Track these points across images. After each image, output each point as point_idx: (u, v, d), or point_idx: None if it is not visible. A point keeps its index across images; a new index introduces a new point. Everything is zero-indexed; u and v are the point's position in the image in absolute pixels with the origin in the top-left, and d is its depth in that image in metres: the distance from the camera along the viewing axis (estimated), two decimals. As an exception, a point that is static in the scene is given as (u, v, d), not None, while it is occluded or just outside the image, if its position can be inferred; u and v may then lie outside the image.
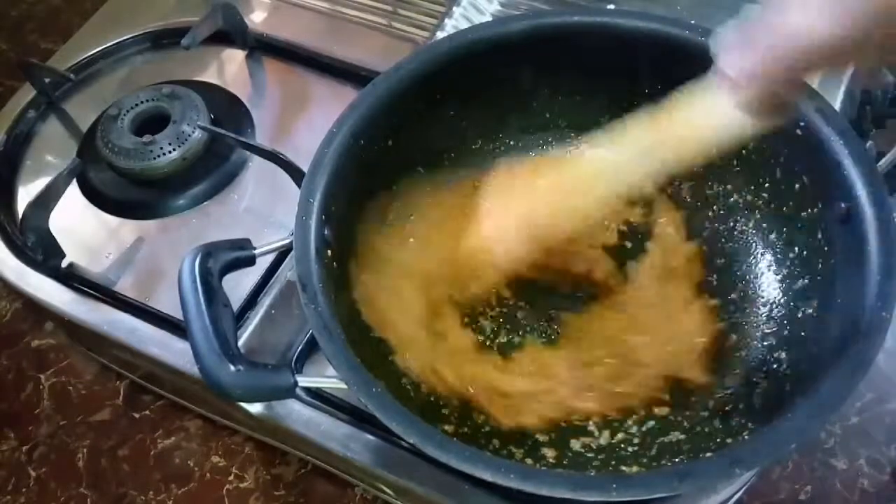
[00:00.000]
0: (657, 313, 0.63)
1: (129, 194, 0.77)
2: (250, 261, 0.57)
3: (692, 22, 0.62)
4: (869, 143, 0.76)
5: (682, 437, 0.57)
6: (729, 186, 0.67)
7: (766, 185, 0.63)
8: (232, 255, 0.56)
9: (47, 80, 0.85)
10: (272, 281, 0.70)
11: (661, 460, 0.55)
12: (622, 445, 0.57)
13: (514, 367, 0.62)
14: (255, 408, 0.65)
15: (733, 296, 0.64)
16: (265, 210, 0.75)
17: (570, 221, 0.57)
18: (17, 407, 0.84)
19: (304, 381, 0.51)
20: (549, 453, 0.57)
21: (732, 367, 0.60)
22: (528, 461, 0.57)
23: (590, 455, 0.57)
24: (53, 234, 0.72)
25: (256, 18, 0.90)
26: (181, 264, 0.53)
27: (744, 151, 0.64)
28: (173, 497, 0.77)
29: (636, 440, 0.57)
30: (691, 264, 0.66)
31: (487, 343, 0.64)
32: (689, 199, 0.69)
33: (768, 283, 0.63)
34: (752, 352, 0.60)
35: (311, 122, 0.81)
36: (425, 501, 0.61)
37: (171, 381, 0.76)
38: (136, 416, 0.82)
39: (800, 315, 0.59)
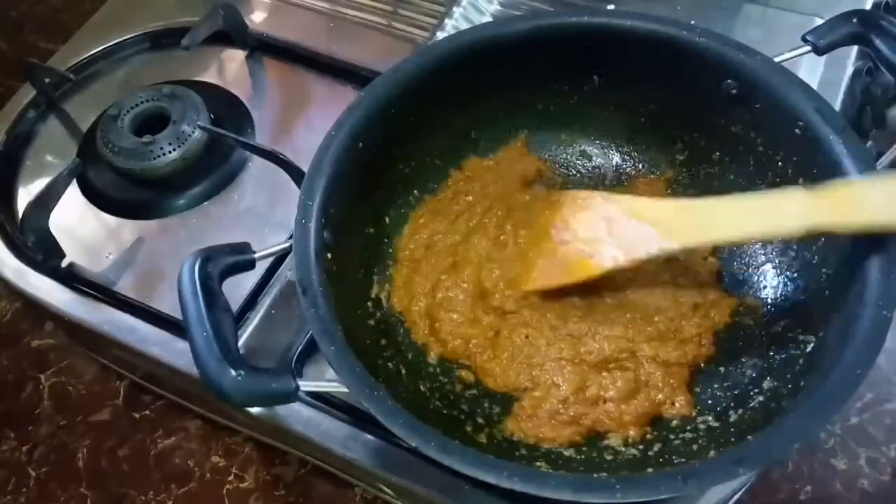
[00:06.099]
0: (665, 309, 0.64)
1: (129, 194, 0.77)
2: (250, 265, 0.57)
3: (692, 22, 0.62)
4: (869, 143, 0.76)
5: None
6: (731, 188, 0.67)
7: (765, 185, 0.63)
8: (232, 259, 0.55)
9: (47, 81, 0.85)
10: (272, 281, 0.70)
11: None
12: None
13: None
14: (255, 408, 0.65)
15: (734, 290, 0.64)
16: (265, 210, 0.75)
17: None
18: (17, 407, 0.84)
19: (305, 385, 0.51)
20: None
21: (739, 358, 0.60)
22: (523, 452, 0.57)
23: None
24: (53, 234, 0.72)
25: (256, 18, 0.90)
26: (181, 269, 0.53)
27: (742, 149, 0.64)
28: (173, 497, 0.77)
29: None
30: None
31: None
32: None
33: (769, 280, 0.63)
34: (753, 346, 0.61)
35: (311, 123, 0.81)
36: (425, 502, 0.61)
37: (171, 381, 0.76)
38: (136, 416, 0.82)
39: (802, 311, 0.59)
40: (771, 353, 0.58)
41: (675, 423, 0.58)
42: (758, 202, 0.57)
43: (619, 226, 0.60)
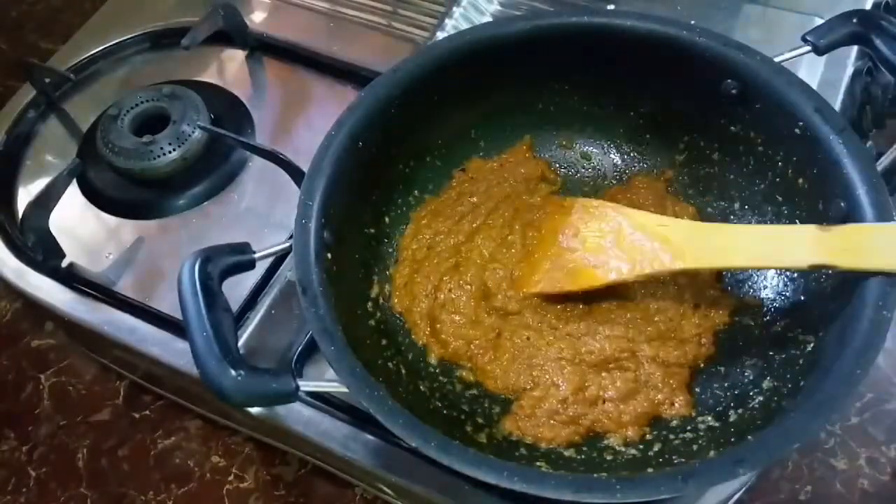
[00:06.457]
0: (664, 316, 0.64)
1: (129, 194, 0.77)
2: (250, 265, 0.57)
3: (692, 23, 0.62)
4: (868, 143, 0.76)
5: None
6: (731, 188, 0.67)
7: (765, 184, 0.63)
8: (232, 259, 0.55)
9: (47, 81, 0.85)
10: (272, 281, 0.70)
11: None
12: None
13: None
14: (255, 408, 0.65)
15: (734, 290, 0.64)
16: (265, 210, 0.75)
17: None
18: (17, 407, 0.84)
19: (305, 385, 0.51)
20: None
21: (739, 358, 0.60)
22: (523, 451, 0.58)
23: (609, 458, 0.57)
24: (53, 234, 0.72)
25: (256, 18, 0.90)
26: (181, 269, 0.53)
27: (741, 149, 0.64)
28: (173, 497, 0.77)
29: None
30: None
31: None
32: (690, 199, 0.69)
33: (769, 280, 0.63)
34: (753, 346, 0.61)
35: (311, 122, 0.81)
36: (425, 502, 0.61)
37: (171, 380, 0.76)
38: (136, 416, 0.82)
39: (802, 311, 0.59)
40: (771, 353, 0.58)
41: (674, 423, 0.58)
42: (769, 234, 0.59)
43: (627, 239, 0.60)
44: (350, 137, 0.60)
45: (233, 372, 0.49)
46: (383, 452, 0.61)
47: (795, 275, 0.61)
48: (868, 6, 0.81)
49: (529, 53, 0.66)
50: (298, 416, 0.63)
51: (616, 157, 0.73)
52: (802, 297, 0.60)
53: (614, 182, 0.72)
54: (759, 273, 0.64)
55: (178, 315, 0.53)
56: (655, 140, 0.71)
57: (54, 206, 0.73)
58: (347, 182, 0.60)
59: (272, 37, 0.88)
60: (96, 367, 0.85)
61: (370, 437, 0.62)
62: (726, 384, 0.60)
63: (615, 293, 0.64)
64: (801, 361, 0.55)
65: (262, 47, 0.88)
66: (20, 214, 0.73)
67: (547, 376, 0.61)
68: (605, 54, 0.66)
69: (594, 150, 0.73)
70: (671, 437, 0.57)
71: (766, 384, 0.57)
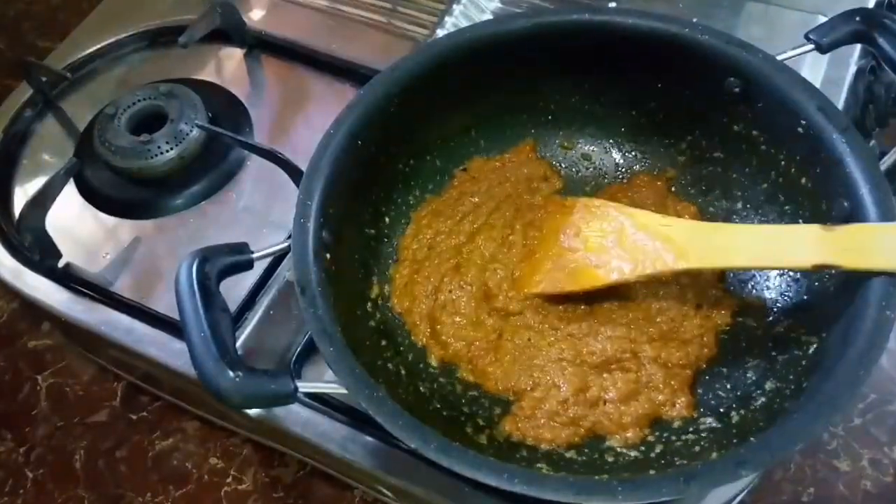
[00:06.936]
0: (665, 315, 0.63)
1: (127, 194, 0.77)
2: (248, 265, 0.56)
3: (694, 20, 0.62)
4: (872, 142, 0.76)
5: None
6: (733, 188, 0.66)
7: (768, 184, 0.63)
8: (229, 259, 0.55)
9: (44, 79, 0.85)
10: (270, 281, 0.70)
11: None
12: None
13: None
14: (253, 409, 0.65)
15: (737, 290, 0.64)
16: (263, 209, 0.75)
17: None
18: (14, 408, 0.83)
19: (304, 386, 0.50)
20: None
21: (742, 359, 0.60)
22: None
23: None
24: (50, 233, 0.72)
25: (255, 16, 0.90)
26: (178, 269, 0.53)
27: (744, 148, 0.64)
28: (171, 499, 0.76)
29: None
30: None
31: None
32: (692, 199, 0.69)
33: (772, 280, 0.63)
34: (756, 347, 0.60)
35: (310, 121, 0.81)
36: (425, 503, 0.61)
37: (169, 381, 0.75)
38: (134, 417, 0.82)
39: (805, 312, 0.59)
40: (773, 354, 0.58)
41: (676, 424, 0.58)
42: (772, 234, 0.58)
43: (630, 239, 0.60)
44: (349, 136, 0.60)
45: (231, 373, 0.48)
46: (382, 454, 0.61)
47: (798, 275, 0.61)
48: (871, 4, 0.81)
49: (530, 51, 0.66)
50: (297, 417, 0.63)
51: (617, 157, 0.72)
52: (805, 298, 0.60)
53: (616, 181, 0.72)
54: (761, 273, 0.63)
55: (175, 315, 0.53)
56: (657, 139, 0.70)
57: (51, 206, 0.72)
58: (346, 181, 0.60)
59: (270, 35, 0.88)
60: (93, 368, 0.85)
61: (369, 438, 0.62)
62: (728, 385, 0.59)
63: (617, 293, 0.63)
64: (803, 362, 0.55)
65: (260, 45, 0.88)
66: (17, 214, 0.73)
67: (548, 377, 0.60)
68: (606, 52, 0.65)
69: (595, 149, 0.73)
70: (673, 438, 0.57)
71: (768, 385, 0.56)
